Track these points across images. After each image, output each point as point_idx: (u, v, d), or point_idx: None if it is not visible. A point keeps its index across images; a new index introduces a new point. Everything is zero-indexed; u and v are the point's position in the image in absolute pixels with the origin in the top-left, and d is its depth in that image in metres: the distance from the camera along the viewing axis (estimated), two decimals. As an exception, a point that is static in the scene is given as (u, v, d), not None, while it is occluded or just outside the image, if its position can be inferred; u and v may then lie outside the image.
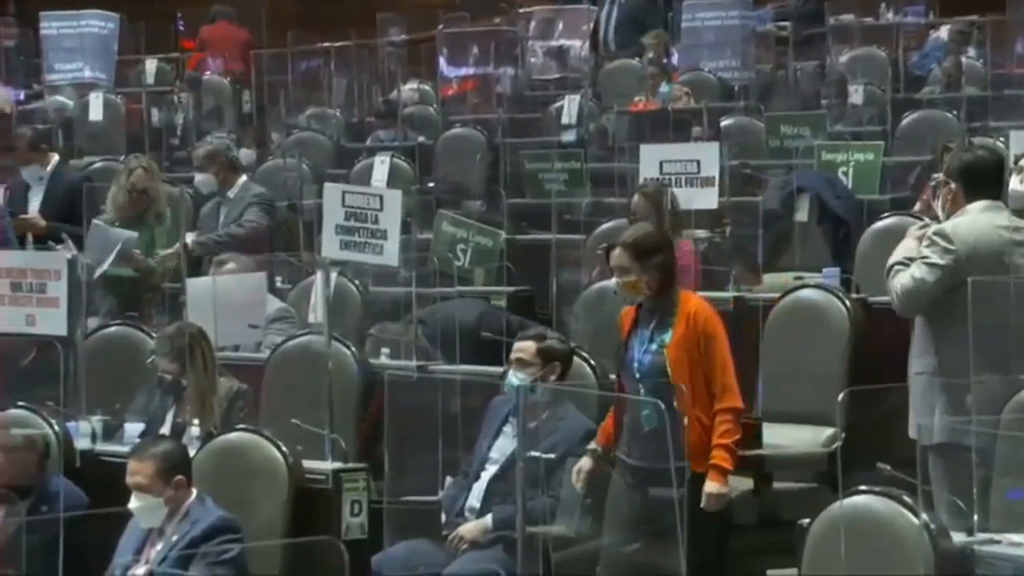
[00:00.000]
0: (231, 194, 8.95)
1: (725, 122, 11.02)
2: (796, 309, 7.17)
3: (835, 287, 7.32)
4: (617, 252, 5.76)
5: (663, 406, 5.36)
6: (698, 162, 8.05)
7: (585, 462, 5.76)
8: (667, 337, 5.68)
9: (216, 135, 10.26)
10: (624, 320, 5.83)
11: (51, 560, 5.43)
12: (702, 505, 5.58)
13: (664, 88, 11.62)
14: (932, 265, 5.56)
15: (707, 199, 7.99)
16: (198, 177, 9.09)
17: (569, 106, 11.84)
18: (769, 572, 6.91)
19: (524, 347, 6.11)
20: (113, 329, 7.42)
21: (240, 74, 13.69)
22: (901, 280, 5.62)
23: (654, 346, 5.69)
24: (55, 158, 9.49)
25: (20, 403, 6.25)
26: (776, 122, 10.57)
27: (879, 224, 8.34)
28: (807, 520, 4.82)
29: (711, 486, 5.65)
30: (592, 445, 5.80)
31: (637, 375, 5.70)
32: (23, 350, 6.85)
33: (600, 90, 12.92)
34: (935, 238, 5.59)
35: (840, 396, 6.42)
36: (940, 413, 5.56)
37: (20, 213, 9.14)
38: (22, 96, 13.07)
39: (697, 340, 5.65)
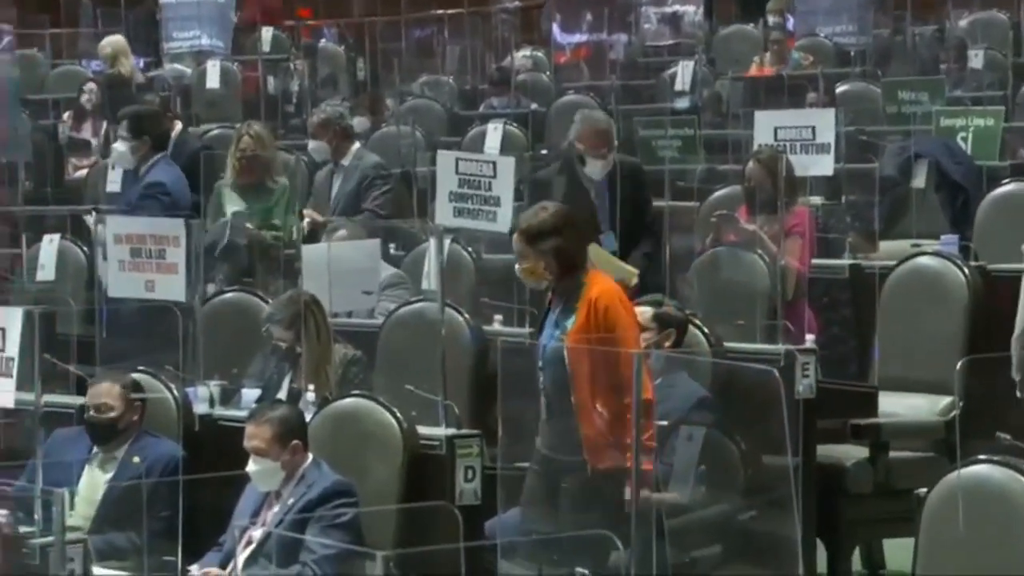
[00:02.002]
0: (345, 162, 8.99)
1: (841, 88, 10.91)
2: (913, 277, 7.09)
3: (953, 254, 7.24)
4: (515, 238, 5.54)
5: (551, 398, 5.22)
6: (813, 128, 7.98)
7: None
8: (569, 324, 5.43)
9: (330, 103, 10.32)
10: (548, 302, 5.61)
11: (172, 521, 5.53)
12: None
13: (795, 55, 11.54)
14: None
15: (822, 166, 7.92)
16: (312, 144, 9.15)
17: (683, 72, 11.78)
18: (885, 541, 6.87)
19: (640, 312, 6.09)
20: (230, 295, 7.50)
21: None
22: None
23: (558, 332, 5.46)
24: (179, 126, 9.59)
25: (140, 368, 6.34)
26: (893, 87, 10.44)
27: (998, 191, 8.23)
28: (924, 490, 4.78)
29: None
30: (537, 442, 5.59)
31: (540, 362, 5.49)
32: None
33: (714, 56, 12.84)
34: None
35: (958, 365, 6.35)
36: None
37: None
38: (141, 64, 13.23)
39: (598, 329, 5.35)
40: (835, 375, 7.05)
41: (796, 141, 7.98)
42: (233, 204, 8.58)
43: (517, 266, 5.58)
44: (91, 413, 6.00)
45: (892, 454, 6.64)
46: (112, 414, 5.98)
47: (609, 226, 7.79)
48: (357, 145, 9.17)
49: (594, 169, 7.85)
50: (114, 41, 12.42)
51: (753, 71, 11.50)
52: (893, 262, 7.29)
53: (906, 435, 6.72)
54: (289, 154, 9.72)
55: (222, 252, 8.24)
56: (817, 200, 8.18)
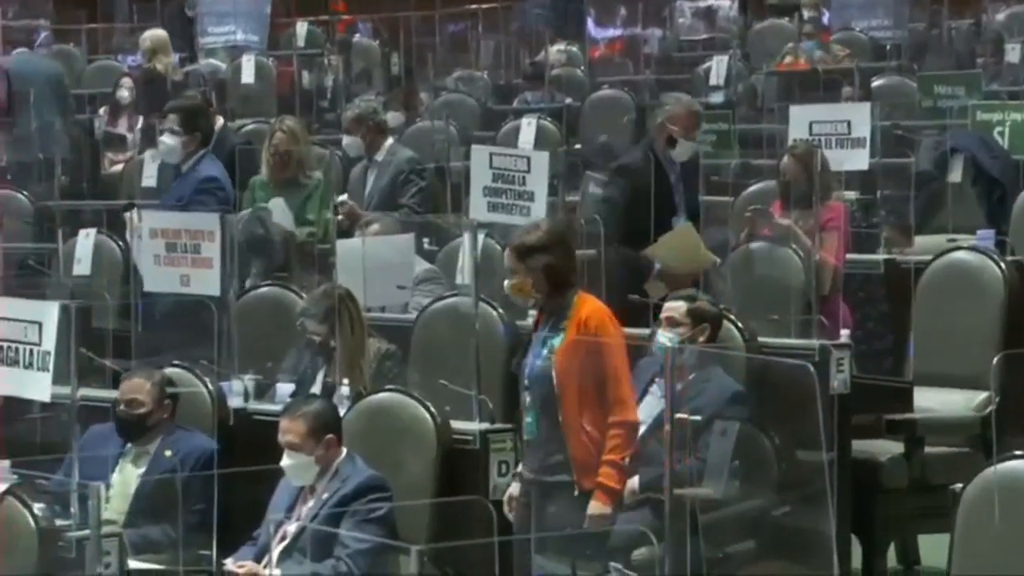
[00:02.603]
0: (379, 157, 8.99)
1: (877, 82, 10.87)
2: (949, 272, 7.06)
3: (990, 249, 7.20)
4: (506, 253, 5.47)
5: (537, 417, 5.17)
6: (849, 123, 7.95)
7: (513, 488, 5.49)
8: (557, 342, 5.35)
9: (363, 98, 10.34)
10: (536, 322, 5.55)
11: (206, 515, 5.55)
12: (584, 526, 5.20)
13: (808, 45, 11.51)
14: None
15: (858, 160, 7.89)
16: (345, 140, 9.15)
17: (717, 67, 11.76)
18: (920, 537, 6.84)
19: (675, 306, 6.09)
20: (264, 290, 7.52)
21: None
22: None
23: (544, 351, 5.38)
24: (220, 120, 9.61)
25: (175, 362, 6.36)
26: (929, 81, 10.39)
27: (1035, 185, 8.19)
28: (960, 485, 4.76)
29: (594, 507, 5.25)
30: (519, 468, 5.51)
31: (527, 381, 5.43)
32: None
33: (749, 50, 12.81)
34: None
35: (994, 360, 6.32)
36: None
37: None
38: (176, 60, 13.26)
39: (587, 347, 5.29)
40: (870, 370, 7.03)
41: (831, 135, 7.95)
42: (267, 200, 8.58)
43: (506, 282, 5.51)
44: (121, 408, 6.02)
45: (927, 450, 6.62)
46: (141, 410, 6.00)
47: (684, 210, 7.74)
48: (391, 140, 9.17)
49: (683, 151, 7.77)
50: (154, 35, 12.43)
51: (783, 66, 11.49)
52: (929, 257, 7.26)
53: (942, 430, 6.69)
54: (323, 149, 9.73)
55: (245, 245, 8.25)
56: (852, 195, 8.15)
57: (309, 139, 9.18)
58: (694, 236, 7.41)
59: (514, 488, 5.46)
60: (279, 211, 8.33)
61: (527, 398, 5.40)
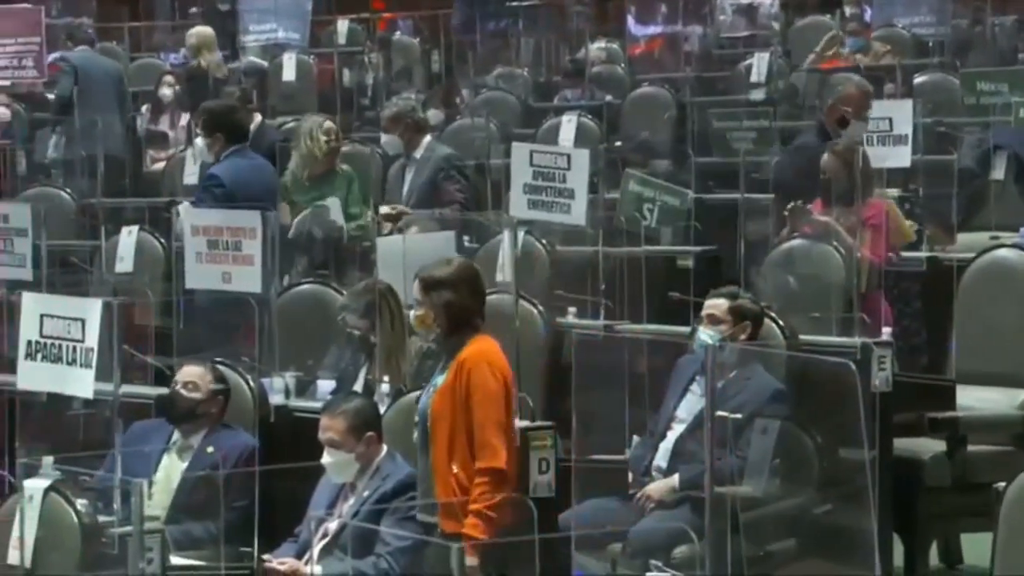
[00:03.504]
0: (417, 155, 8.99)
1: (919, 79, 10.81)
2: (992, 269, 7.03)
3: (1032, 247, 7.16)
4: (415, 283, 5.44)
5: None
6: (890, 120, 7.93)
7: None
8: (440, 382, 5.30)
9: (401, 96, 10.36)
10: None
11: (247, 511, 5.57)
12: None
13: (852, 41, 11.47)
14: None
15: (900, 157, 7.86)
16: (384, 138, 9.16)
17: (758, 64, 11.73)
18: (963, 535, 6.81)
19: (716, 304, 6.08)
20: (305, 286, 7.54)
21: None
22: None
23: (431, 390, 5.34)
24: (258, 118, 9.64)
25: (217, 359, 6.39)
26: (972, 78, 10.33)
27: (1079, 182, 8.14)
28: (1003, 484, 4.73)
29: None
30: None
31: (416, 417, 5.40)
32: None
33: (790, 47, 12.77)
34: None
35: (1037, 358, 6.29)
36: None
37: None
38: (220, 56, 13.28)
39: (463, 390, 5.20)
40: (912, 368, 7.00)
41: (873, 133, 7.92)
42: (301, 194, 8.61)
43: (412, 312, 5.50)
44: (178, 388, 6.04)
45: (970, 448, 6.59)
46: (197, 395, 6.03)
47: None
48: (429, 137, 9.17)
49: (855, 131, 7.74)
50: (200, 32, 12.47)
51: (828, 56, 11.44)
52: (971, 254, 7.23)
53: (984, 429, 6.66)
54: (364, 147, 9.74)
55: (303, 244, 8.28)
56: (894, 192, 8.11)
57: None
58: (896, 211, 7.38)
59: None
60: (335, 209, 8.37)
61: (414, 435, 5.35)
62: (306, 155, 8.63)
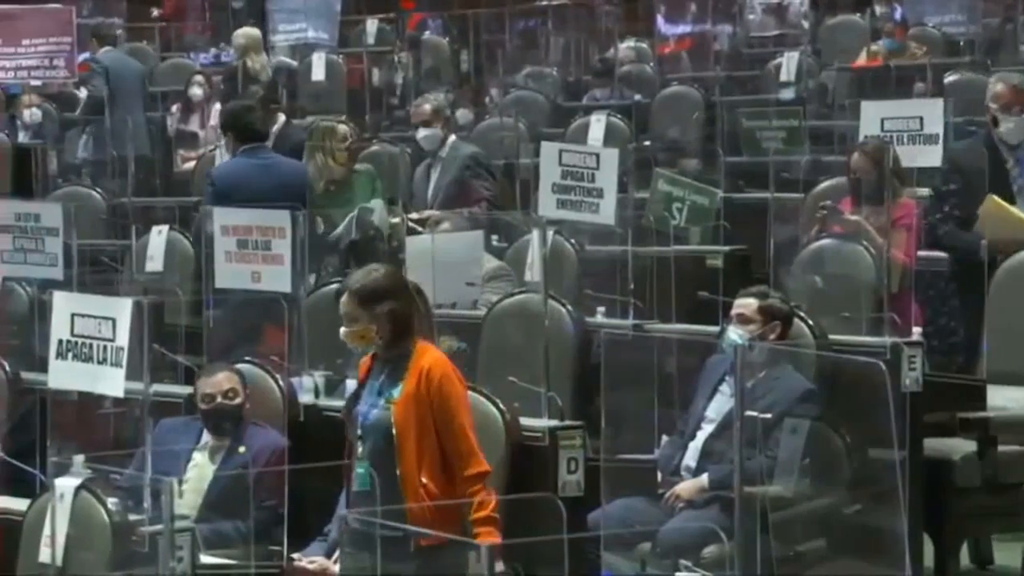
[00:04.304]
0: (442, 154, 9.00)
1: (950, 78, 10.77)
2: (1022, 269, 6.99)
3: (1065, 245, 7.13)
4: (344, 299, 5.21)
5: (371, 469, 5.01)
6: (921, 119, 7.89)
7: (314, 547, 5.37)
8: (396, 392, 5.15)
9: (432, 95, 10.38)
10: (361, 368, 5.33)
11: (277, 510, 5.58)
12: None
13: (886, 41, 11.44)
14: None
15: (930, 157, 7.83)
16: (423, 132, 9.14)
17: (788, 63, 11.70)
18: (994, 536, 6.79)
19: (746, 303, 6.07)
20: (335, 286, 7.54)
21: None
22: None
23: (382, 401, 5.17)
24: (282, 117, 9.66)
25: (246, 358, 6.40)
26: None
27: (1111, 181, 8.08)
28: (1034, 485, 4.72)
29: None
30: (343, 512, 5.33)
31: (360, 431, 5.21)
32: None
33: (820, 46, 12.74)
34: None
35: (1069, 358, 6.26)
36: None
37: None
38: (266, 58, 13.31)
39: (430, 400, 5.10)
40: (943, 368, 6.98)
41: (903, 132, 7.89)
42: (324, 199, 8.61)
43: (343, 329, 5.26)
44: (219, 401, 6.04)
45: (1001, 448, 6.56)
46: (238, 400, 6.05)
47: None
48: (453, 137, 9.18)
49: (1009, 130, 7.69)
50: (247, 33, 12.50)
51: (863, 60, 11.41)
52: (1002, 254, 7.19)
53: (1015, 429, 6.63)
54: (393, 146, 9.75)
55: (347, 247, 8.29)
56: (924, 192, 8.09)
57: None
58: (1000, 204, 7.34)
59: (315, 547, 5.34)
60: (379, 211, 8.39)
61: (359, 448, 5.19)
62: (321, 165, 8.64)
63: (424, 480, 5.10)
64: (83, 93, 12.39)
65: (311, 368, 6.62)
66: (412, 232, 8.16)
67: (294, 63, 13.33)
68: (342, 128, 8.73)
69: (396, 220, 8.38)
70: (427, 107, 9.13)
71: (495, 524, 5.07)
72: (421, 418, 5.09)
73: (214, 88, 11.83)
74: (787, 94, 11.36)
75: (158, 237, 8.18)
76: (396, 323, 5.19)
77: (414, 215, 8.59)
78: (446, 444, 5.10)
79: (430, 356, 5.19)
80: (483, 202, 8.66)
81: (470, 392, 5.85)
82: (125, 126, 10.64)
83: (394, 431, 5.11)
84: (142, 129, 11.01)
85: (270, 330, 6.74)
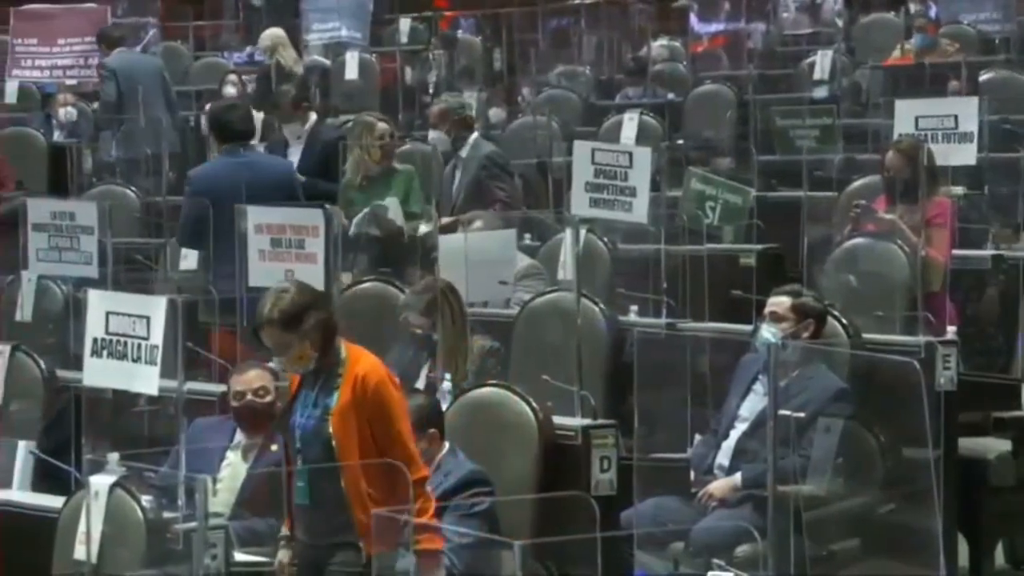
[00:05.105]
0: (463, 153, 8.99)
1: (984, 76, 10.72)
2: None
3: (1100, 245, 7.09)
4: (265, 332, 5.07)
5: (310, 482, 4.95)
6: (955, 117, 7.86)
7: (282, 554, 5.21)
8: (332, 402, 5.05)
9: (452, 93, 10.38)
10: (292, 380, 5.22)
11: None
12: None
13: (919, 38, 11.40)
14: None
15: (965, 155, 7.80)
16: (432, 134, 9.17)
17: (822, 61, 11.68)
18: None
19: (779, 301, 6.07)
20: (368, 284, 7.57)
21: None
22: None
23: (318, 411, 5.07)
24: (313, 116, 9.68)
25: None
26: (1038, 75, 10.25)
27: None
28: (1069, 484, 4.70)
29: (426, 573, 4.88)
30: (283, 531, 5.22)
31: (299, 443, 5.11)
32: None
33: (854, 44, 12.70)
34: None
35: (1104, 358, 6.23)
36: None
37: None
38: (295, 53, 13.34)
39: (367, 407, 5.00)
40: (978, 368, 6.95)
41: (938, 130, 7.87)
42: (359, 194, 8.63)
43: (276, 359, 5.19)
44: (249, 398, 6.06)
45: (1035, 448, 6.54)
46: (269, 398, 6.06)
47: None
48: (475, 135, 9.15)
49: None
50: (272, 34, 12.55)
51: (896, 58, 11.37)
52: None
53: (1050, 429, 6.61)
54: (425, 145, 9.76)
55: (361, 243, 8.30)
56: (959, 190, 8.06)
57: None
58: None
59: (283, 554, 5.21)
60: (394, 208, 8.39)
61: (299, 461, 5.08)
62: (358, 159, 8.65)
63: (369, 490, 4.99)
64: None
65: (344, 366, 6.61)
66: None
67: (327, 62, 13.35)
68: (380, 126, 8.73)
69: (424, 221, 8.38)
70: (435, 108, 9.15)
71: (433, 530, 4.96)
72: (360, 427, 5.00)
73: (245, 88, 11.86)
74: (821, 92, 11.33)
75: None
76: (324, 332, 5.08)
77: (445, 219, 8.61)
78: (385, 451, 5.00)
79: (365, 362, 5.08)
80: (498, 203, 8.64)
81: (503, 390, 5.87)
82: (151, 124, 10.67)
83: (333, 442, 5.02)
84: (167, 127, 11.03)
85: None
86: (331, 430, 5.02)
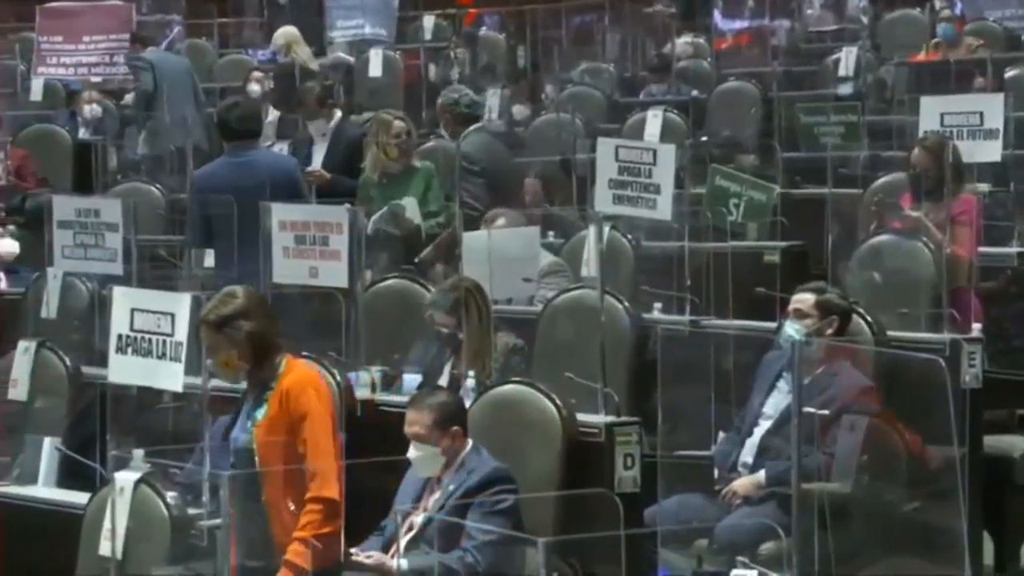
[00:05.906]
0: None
1: (1010, 72, 10.68)
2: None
3: None
4: (201, 331, 5.15)
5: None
6: (981, 114, 7.84)
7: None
8: (260, 415, 5.13)
9: (452, 87, 10.38)
10: (244, 393, 5.31)
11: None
12: None
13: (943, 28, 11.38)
14: None
15: (990, 152, 7.77)
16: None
17: (846, 58, 11.64)
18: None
19: (803, 298, 6.06)
20: (392, 281, 7.57)
21: None
22: None
23: (249, 424, 5.14)
24: (338, 114, 9.69)
25: (304, 353, 6.42)
26: (1064, 72, 10.21)
27: None
28: (1094, 483, 4.68)
29: None
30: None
31: (232, 458, 5.17)
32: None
33: (879, 41, 12.67)
34: None
35: None
36: None
37: (304, 167, 9.36)
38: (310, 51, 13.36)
39: (290, 419, 5.03)
40: (1005, 366, 6.92)
41: (963, 127, 7.84)
42: (378, 192, 8.63)
43: (209, 361, 5.21)
44: None
45: (1061, 446, 6.52)
46: None
47: None
48: (469, 131, 9.16)
49: None
50: (285, 32, 12.59)
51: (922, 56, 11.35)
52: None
53: (1076, 427, 6.59)
54: (449, 142, 9.76)
55: (378, 240, 8.31)
56: (984, 187, 8.03)
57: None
58: None
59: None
60: (411, 207, 8.39)
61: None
62: (375, 156, 8.65)
63: (291, 505, 4.98)
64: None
65: (368, 363, 6.64)
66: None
67: (351, 59, 13.36)
68: (397, 124, 8.73)
69: (443, 219, 8.38)
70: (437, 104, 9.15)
71: (309, 548, 4.89)
72: (285, 440, 5.01)
73: (264, 86, 11.88)
74: (845, 89, 11.30)
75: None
76: (256, 344, 5.11)
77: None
78: (303, 462, 4.96)
79: (294, 374, 5.10)
80: (464, 207, 8.65)
81: (526, 388, 5.87)
82: (179, 122, 10.70)
83: (256, 457, 5.03)
84: (196, 124, 11.06)
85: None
86: (255, 444, 5.03)
